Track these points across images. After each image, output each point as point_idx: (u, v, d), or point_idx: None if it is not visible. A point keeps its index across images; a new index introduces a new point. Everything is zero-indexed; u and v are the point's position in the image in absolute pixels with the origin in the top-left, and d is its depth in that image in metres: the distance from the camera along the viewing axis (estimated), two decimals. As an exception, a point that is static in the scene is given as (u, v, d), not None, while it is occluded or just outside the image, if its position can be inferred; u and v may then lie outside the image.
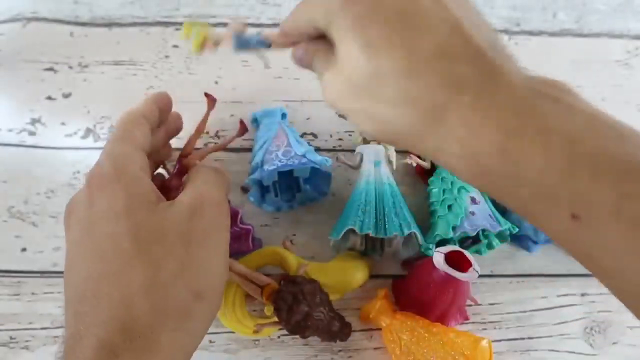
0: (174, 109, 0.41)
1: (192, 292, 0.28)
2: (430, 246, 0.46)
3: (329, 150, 0.54)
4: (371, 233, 0.44)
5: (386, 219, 0.45)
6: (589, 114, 0.22)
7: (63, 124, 0.54)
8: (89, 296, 0.26)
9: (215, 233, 0.30)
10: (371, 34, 0.23)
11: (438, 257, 0.42)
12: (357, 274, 0.47)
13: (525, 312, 0.50)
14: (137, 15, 0.59)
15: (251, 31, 0.32)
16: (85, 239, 0.29)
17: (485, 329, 0.49)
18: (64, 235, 0.31)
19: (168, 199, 0.31)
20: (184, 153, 0.42)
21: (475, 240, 0.49)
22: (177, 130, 0.42)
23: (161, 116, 0.38)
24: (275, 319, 0.41)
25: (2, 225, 0.50)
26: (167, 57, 0.57)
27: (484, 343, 0.42)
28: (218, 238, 0.31)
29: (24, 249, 0.49)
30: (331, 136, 0.55)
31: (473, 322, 0.49)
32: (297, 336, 0.41)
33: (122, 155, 0.31)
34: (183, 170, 0.41)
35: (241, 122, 0.48)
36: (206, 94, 0.44)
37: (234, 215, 0.45)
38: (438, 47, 0.23)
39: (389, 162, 0.50)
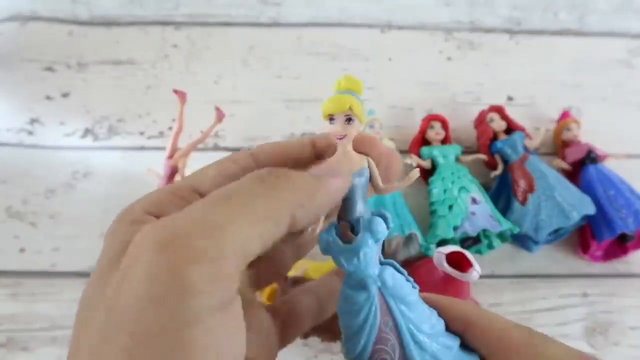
0: (173, 109, 0.41)
1: None
2: (431, 246, 0.46)
3: (329, 150, 0.54)
4: (371, 233, 0.44)
5: (386, 219, 0.45)
6: None
7: (62, 123, 0.53)
8: None
9: None
10: None
11: (439, 258, 0.41)
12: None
13: (526, 312, 0.50)
14: (137, 15, 0.58)
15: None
16: None
17: (486, 329, 0.49)
18: None
19: None
20: (169, 154, 0.42)
21: (476, 240, 0.49)
22: None
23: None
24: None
25: (0, 225, 0.49)
26: (166, 56, 0.57)
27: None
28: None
29: (22, 250, 0.49)
30: (331, 136, 0.55)
31: (474, 323, 0.49)
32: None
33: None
34: (173, 172, 0.41)
35: (217, 108, 0.46)
36: (175, 91, 0.44)
37: None
38: None
39: (389, 162, 0.50)
